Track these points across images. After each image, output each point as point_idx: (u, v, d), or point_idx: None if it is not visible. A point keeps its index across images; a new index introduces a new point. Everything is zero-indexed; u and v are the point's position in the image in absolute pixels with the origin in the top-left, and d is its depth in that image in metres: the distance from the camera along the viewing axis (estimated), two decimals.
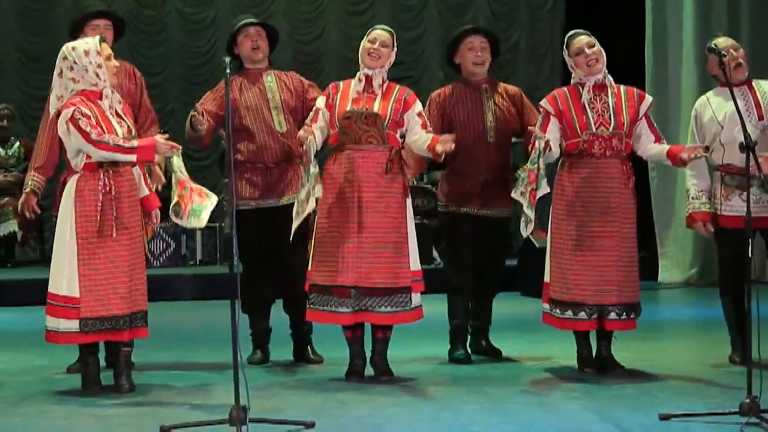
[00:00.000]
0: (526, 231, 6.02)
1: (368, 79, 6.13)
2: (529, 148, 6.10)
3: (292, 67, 9.45)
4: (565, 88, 6.26)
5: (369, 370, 6.16)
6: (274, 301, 6.84)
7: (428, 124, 6.17)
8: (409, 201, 6.13)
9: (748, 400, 4.76)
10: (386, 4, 14.36)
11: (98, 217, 5.65)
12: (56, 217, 5.85)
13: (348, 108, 6.06)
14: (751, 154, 5.08)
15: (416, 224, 6.33)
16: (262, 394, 5.58)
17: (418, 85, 12.64)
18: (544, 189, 5.98)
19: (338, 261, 5.96)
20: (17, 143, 11.72)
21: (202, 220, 5.73)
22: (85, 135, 5.60)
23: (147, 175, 5.99)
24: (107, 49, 5.85)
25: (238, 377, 4.60)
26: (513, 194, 6.11)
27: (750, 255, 5.00)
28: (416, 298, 6.06)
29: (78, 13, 8.16)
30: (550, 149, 5.98)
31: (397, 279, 5.99)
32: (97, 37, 5.90)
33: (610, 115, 6.10)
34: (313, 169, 5.92)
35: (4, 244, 11.69)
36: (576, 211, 6.07)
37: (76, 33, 6.54)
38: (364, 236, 5.95)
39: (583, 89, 6.16)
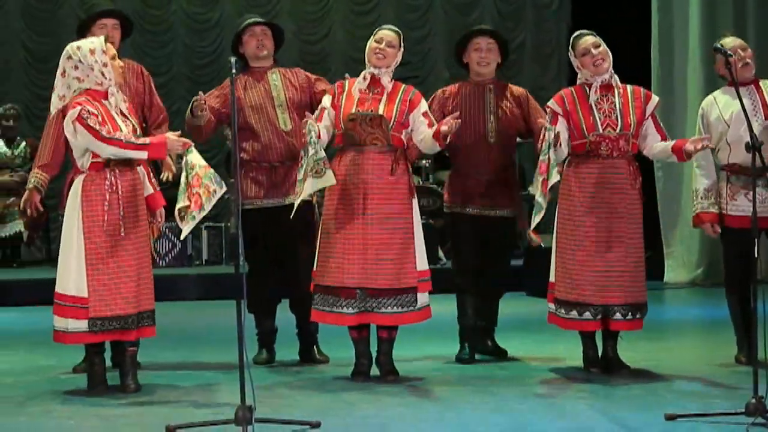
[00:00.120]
0: (534, 221, 5.99)
1: (374, 79, 6.13)
2: (539, 141, 6.09)
3: (298, 67, 9.43)
4: (572, 89, 6.24)
5: (375, 370, 6.16)
6: (280, 301, 6.84)
7: (434, 123, 6.15)
8: (415, 201, 6.12)
9: (754, 401, 4.75)
10: (392, 3, 14.37)
11: (105, 217, 5.65)
12: (62, 217, 5.85)
13: (353, 110, 6.06)
14: (757, 153, 5.08)
15: (422, 224, 6.32)
16: (268, 394, 5.58)
17: (425, 84, 12.64)
18: (554, 178, 5.96)
19: (344, 262, 5.96)
20: (23, 143, 11.73)
21: (197, 221, 5.73)
22: (95, 133, 5.59)
23: (152, 172, 5.99)
24: (112, 49, 5.85)
25: (243, 377, 4.61)
26: (529, 189, 6.11)
27: (756, 255, 5.00)
28: (423, 298, 6.05)
29: (84, 14, 8.20)
30: (560, 142, 5.96)
31: (403, 279, 5.98)
32: (102, 37, 5.91)
33: (617, 116, 6.09)
34: (320, 153, 5.88)
35: (10, 244, 11.72)
36: (582, 211, 6.06)
37: (83, 32, 6.55)
38: (370, 237, 5.95)
39: (590, 90, 6.14)
